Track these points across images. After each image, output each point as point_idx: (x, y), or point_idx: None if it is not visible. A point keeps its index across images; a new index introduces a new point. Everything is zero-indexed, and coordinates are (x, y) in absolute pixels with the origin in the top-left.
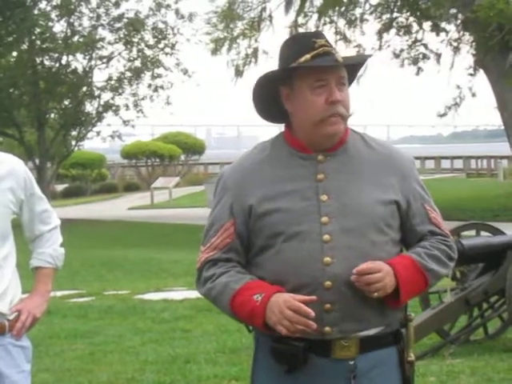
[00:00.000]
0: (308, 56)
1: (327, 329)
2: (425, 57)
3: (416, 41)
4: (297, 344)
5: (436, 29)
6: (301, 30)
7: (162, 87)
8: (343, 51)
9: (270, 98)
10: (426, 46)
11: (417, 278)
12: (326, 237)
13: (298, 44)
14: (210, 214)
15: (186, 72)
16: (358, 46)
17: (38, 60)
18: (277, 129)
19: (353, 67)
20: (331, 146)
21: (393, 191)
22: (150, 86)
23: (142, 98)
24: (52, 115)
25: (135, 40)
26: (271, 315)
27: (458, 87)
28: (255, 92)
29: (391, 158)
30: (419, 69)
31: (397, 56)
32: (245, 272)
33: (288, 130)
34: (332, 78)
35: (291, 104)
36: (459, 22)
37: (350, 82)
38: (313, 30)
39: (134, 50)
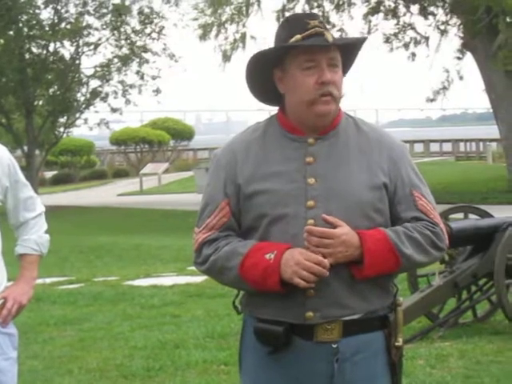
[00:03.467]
0: (299, 36)
1: (309, 314)
2: (416, 41)
3: (405, 25)
4: (279, 326)
5: (424, 12)
6: (288, 15)
7: (152, 77)
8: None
9: (265, 80)
10: (415, 29)
11: (386, 255)
12: (311, 221)
13: (292, 25)
14: (203, 194)
15: (172, 56)
16: (341, 30)
17: (26, 47)
18: (266, 113)
19: (349, 51)
20: (323, 128)
21: (382, 174)
22: (138, 72)
23: (130, 86)
24: (40, 102)
25: (121, 26)
26: (287, 269)
27: (446, 71)
28: (248, 74)
29: (382, 142)
30: (413, 54)
31: (386, 40)
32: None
33: (281, 112)
34: (323, 58)
35: (284, 86)
36: (447, 5)
37: (348, 66)
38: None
39: (121, 36)
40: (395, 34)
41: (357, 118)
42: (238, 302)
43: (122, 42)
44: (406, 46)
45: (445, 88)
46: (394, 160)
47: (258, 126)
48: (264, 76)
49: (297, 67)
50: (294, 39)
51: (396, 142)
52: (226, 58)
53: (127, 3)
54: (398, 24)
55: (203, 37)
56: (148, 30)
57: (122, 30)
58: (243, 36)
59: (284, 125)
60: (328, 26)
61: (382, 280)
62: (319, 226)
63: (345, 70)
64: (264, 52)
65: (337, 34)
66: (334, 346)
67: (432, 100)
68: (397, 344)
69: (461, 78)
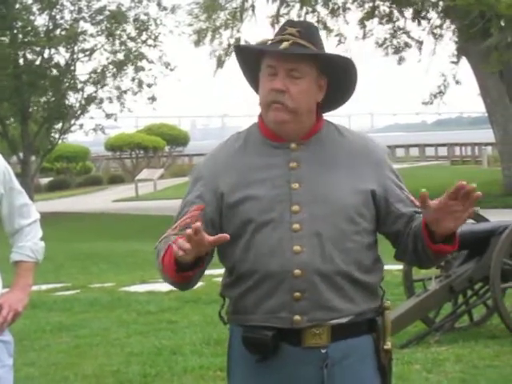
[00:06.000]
0: (266, 40)
1: (297, 317)
2: (407, 45)
3: (398, 29)
4: (267, 333)
5: (418, 16)
6: (282, 20)
7: (148, 85)
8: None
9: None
10: (408, 34)
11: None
12: (296, 226)
13: (278, 29)
14: (181, 203)
15: (168, 65)
16: (339, 35)
17: (21, 54)
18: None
19: (332, 69)
20: (286, 135)
21: (368, 180)
22: (133, 79)
23: (125, 92)
24: (35, 108)
25: (117, 32)
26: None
27: (443, 75)
28: (239, 64)
29: (365, 147)
30: (401, 58)
31: (380, 45)
32: None
33: (261, 119)
34: (281, 67)
35: None
36: (441, 9)
37: (342, 87)
38: (295, 19)
39: (117, 42)
40: (390, 39)
41: (339, 125)
42: (224, 313)
43: (117, 48)
44: (400, 49)
45: (441, 92)
46: (378, 164)
47: (239, 135)
48: (255, 74)
49: (264, 70)
50: (261, 41)
51: (379, 147)
52: (221, 63)
53: (123, 10)
54: (392, 28)
55: (198, 42)
56: (144, 37)
57: (118, 36)
58: (238, 41)
59: (265, 132)
60: (324, 32)
61: (370, 282)
62: (304, 230)
63: (344, 92)
64: (240, 47)
65: (335, 40)
66: (323, 351)
67: (428, 103)
68: (385, 347)
69: (457, 82)
